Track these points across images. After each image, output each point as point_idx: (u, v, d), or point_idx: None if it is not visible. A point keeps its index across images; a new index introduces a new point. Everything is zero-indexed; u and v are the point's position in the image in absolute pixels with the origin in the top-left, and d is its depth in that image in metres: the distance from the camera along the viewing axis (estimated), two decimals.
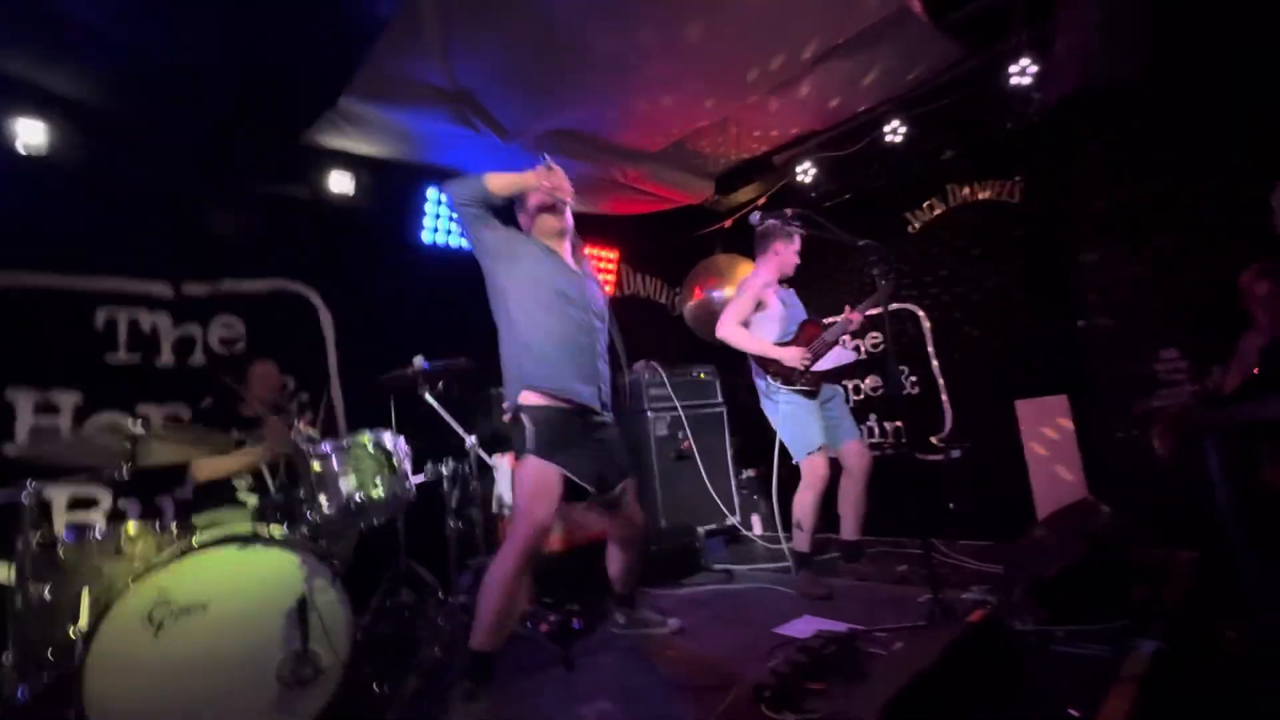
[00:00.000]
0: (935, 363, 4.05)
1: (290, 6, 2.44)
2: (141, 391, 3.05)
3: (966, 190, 3.99)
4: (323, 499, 2.23)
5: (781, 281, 3.15)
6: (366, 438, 2.33)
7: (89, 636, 1.72)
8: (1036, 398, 3.56)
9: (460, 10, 2.53)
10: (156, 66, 2.78)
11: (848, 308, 3.02)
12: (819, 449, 2.87)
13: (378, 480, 2.29)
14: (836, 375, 3.16)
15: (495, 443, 3.37)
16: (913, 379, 4.14)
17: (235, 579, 1.90)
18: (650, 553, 3.45)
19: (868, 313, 3.07)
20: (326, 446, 2.26)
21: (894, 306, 3.52)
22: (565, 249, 2.30)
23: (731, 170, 4.45)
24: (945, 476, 3.86)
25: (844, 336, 3.02)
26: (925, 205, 4.14)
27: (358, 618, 2.10)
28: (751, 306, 3.02)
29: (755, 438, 4.72)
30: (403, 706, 2.03)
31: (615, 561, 2.45)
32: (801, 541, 2.90)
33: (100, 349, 3.01)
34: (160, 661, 1.75)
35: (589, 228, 5.00)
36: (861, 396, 4.44)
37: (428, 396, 2.78)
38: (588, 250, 4.97)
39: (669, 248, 5.41)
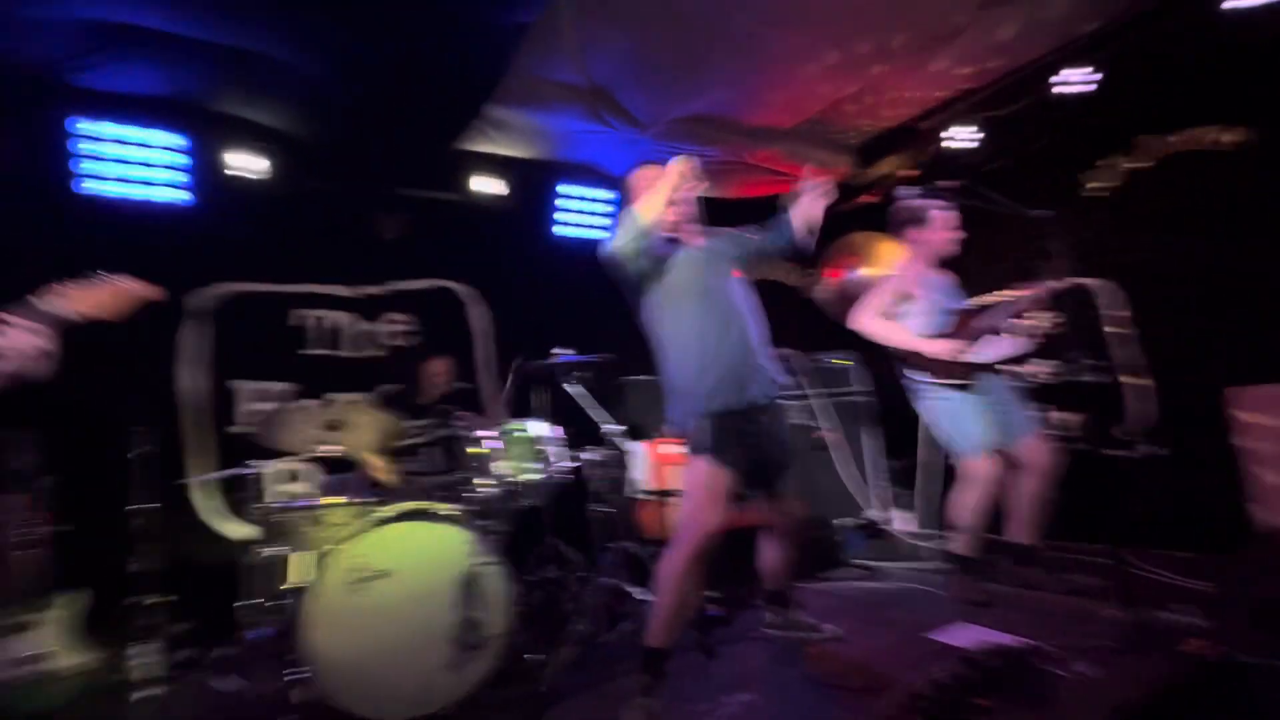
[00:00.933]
0: (1122, 346, 3.52)
1: (442, 27, 2.62)
2: (330, 381, 3.52)
3: (1164, 143, 3.39)
4: (482, 480, 2.42)
5: (934, 265, 2.87)
6: (519, 425, 2.50)
7: (303, 591, 2.02)
8: (1254, 385, 2.99)
9: (596, 6, 2.58)
10: (331, 95, 3.15)
11: (1012, 288, 2.70)
12: (984, 448, 2.61)
13: (530, 465, 2.44)
14: (1001, 364, 2.84)
15: (631, 431, 3.47)
16: (1094, 365, 3.63)
17: (414, 549, 2.13)
18: None
19: (1038, 291, 2.73)
20: (485, 433, 2.44)
21: (1071, 283, 3.10)
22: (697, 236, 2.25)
23: (872, 141, 4.15)
24: (1135, 476, 3.37)
25: (1009, 321, 2.72)
26: (1108, 164, 3.58)
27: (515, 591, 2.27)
28: (893, 296, 2.79)
29: (900, 428, 4.44)
30: (557, 674, 2.16)
31: (768, 555, 2.30)
32: (960, 544, 2.67)
33: (297, 344, 3.50)
34: (358, 617, 2.01)
35: (714, 213, 5.00)
36: (1032, 386, 3.98)
37: (568, 386, 2.91)
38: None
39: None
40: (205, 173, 3.23)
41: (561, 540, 3.06)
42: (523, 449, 2.48)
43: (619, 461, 3.08)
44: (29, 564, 2.25)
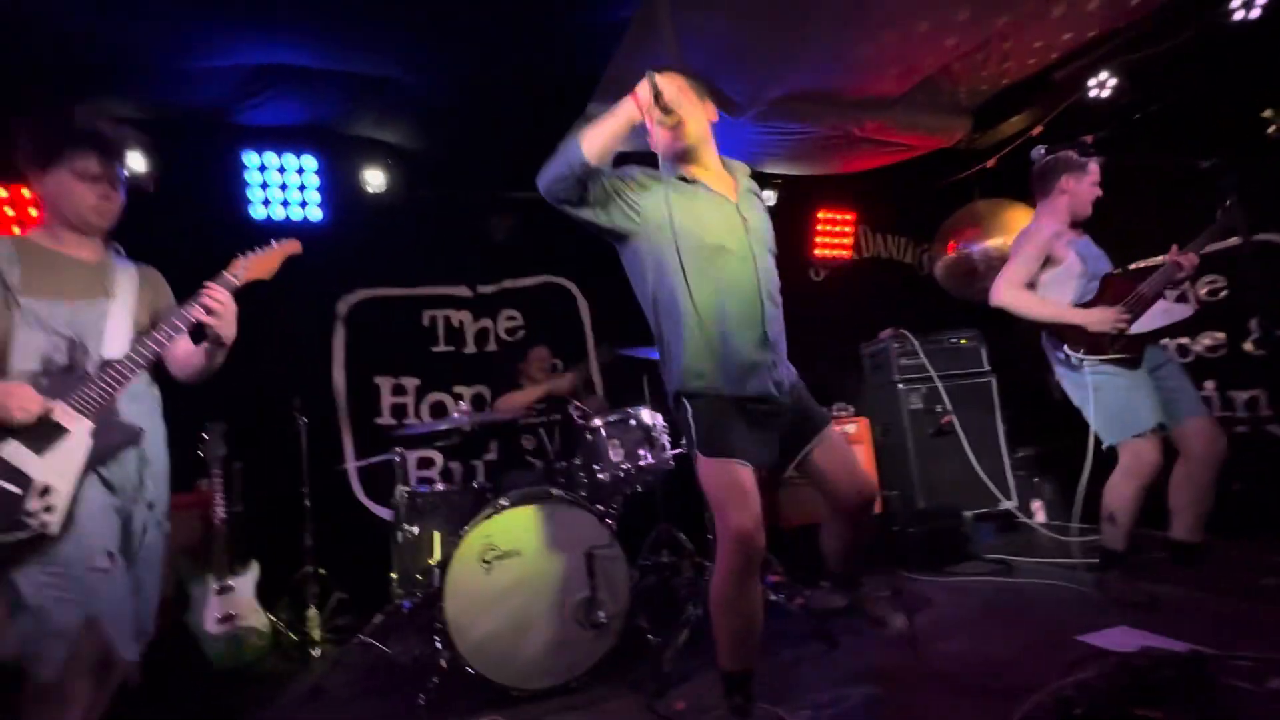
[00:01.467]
0: None
1: (545, 33, 2.73)
2: (456, 375, 3.81)
3: None
4: (596, 467, 2.52)
5: (1074, 226, 2.56)
6: (630, 412, 2.57)
7: (443, 568, 2.22)
8: None
9: None
10: (444, 108, 3.37)
11: (1175, 249, 2.38)
12: (1149, 431, 2.31)
13: (641, 451, 2.51)
14: (1163, 335, 2.51)
15: None
16: (1272, 335, 3.14)
17: (538, 531, 2.27)
18: (907, 535, 3.25)
19: (1205, 251, 2.38)
20: (598, 420, 2.54)
21: (1248, 241, 2.65)
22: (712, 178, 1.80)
23: (993, 101, 3.81)
24: None
25: (1171, 286, 2.39)
26: None
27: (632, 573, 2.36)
28: (1038, 263, 2.50)
29: (1032, 411, 4.08)
30: (675, 656, 2.22)
31: (830, 534, 1.97)
32: (1114, 538, 2.41)
33: (428, 342, 3.82)
34: (491, 593, 2.18)
35: (821, 190, 4.82)
36: (1192, 359, 3.50)
37: None
38: (822, 215, 4.79)
39: (914, 200, 4.88)
40: (334, 190, 3.58)
41: (673, 525, 3.12)
42: (634, 435, 2.55)
43: None
44: (230, 537, 2.65)
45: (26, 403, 1.41)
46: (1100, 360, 2.37)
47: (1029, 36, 3.19)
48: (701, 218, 1.71)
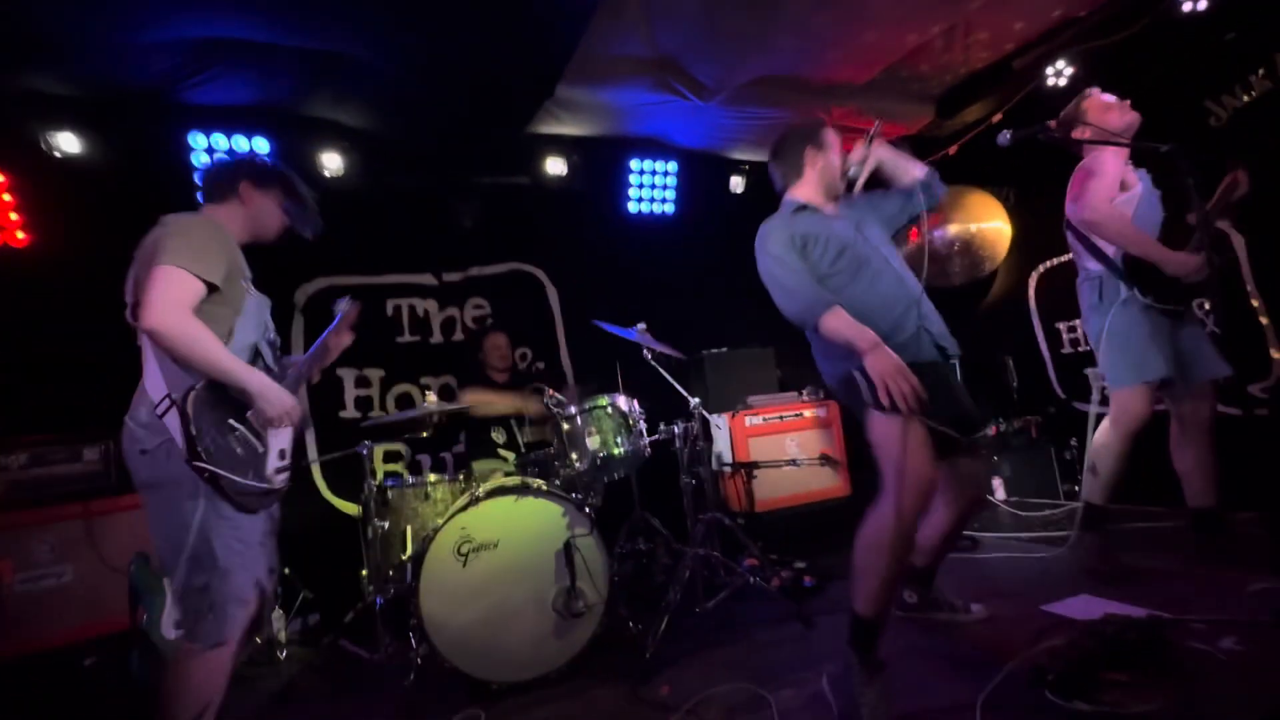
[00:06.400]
0: (1256, 295, 3.18)
1: (512, 15, 2.64)
2: (423, 365, 3.70)
3: None
4: (573, 455, 2.49)
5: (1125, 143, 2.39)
6: (604, 400, 2.54)
7: (417, 562, 2.16)
8: None
9: None
10: (406, 90, 3.24)
11: (1232, 166, 2.34)
12: (1152, 381, 2.28)
13: (618, 439, 2.49)
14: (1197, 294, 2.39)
15: (712, 403, 3.45)
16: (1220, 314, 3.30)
17: (515, 522, 2.23)
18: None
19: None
20: (573, 409, 2.50)
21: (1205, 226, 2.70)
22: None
23: (955, 89, 3.88)
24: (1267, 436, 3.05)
25: (1231, 207, 2.37)
26: (1240, 89, 3.20)
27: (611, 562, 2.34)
28: (1117, 183, 2.35)
29: (990, 391, 4.22)
30: (656, 642, 2.22)
31: (935, 525, 1.99)
32: (1095, 490, 2.39)
33: (392, 332, 3.70)
34: (468, 585, 2.13)
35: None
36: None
37: (650, 360, 2.94)
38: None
39: (875, 186, 4.95)
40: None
41: (648, 513, 3.12)
42: (609, 423, 2.52)
43: (703, 434, 3.08)
44: None
45: (295, 413, 1.66)
46: (1150, 303, 2.29)
47: (986, 28, 3.26)
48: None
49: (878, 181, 2.11)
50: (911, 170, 2.06)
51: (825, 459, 3.60)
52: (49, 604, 2.39)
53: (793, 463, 3.49)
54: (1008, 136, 2.32)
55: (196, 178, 3.19)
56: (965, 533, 3.16)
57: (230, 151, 3.24)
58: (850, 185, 2.04)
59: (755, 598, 2.63)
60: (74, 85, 2.90)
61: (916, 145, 4.46)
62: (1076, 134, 2.43)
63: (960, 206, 4.26)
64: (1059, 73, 3.49)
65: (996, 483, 3.84)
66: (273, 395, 1.59)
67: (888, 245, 2.01)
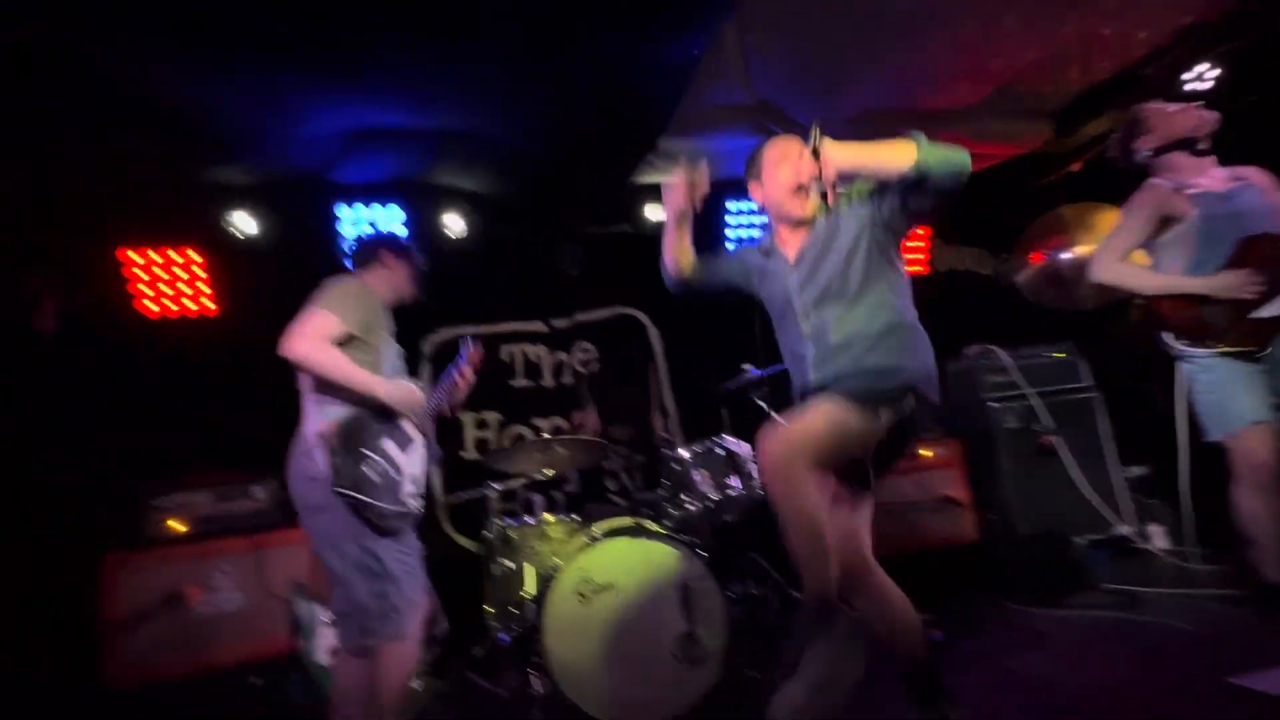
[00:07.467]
0: None
1: (619, 77, 2.81)
2: (535, 408, 3.90)
3: None
4: (684, 497, 2.51)
5: (1198, 150, 2.12)
6: (714, 442, 2.55)
7: (539, 601, 2.24)
8: None
9: (757, 23, 2.60)
10: (523, 154, 3.52)
11: None
12: (1250, 425, 1.99)
13: (730, 480, 2.48)
14: None
15: None
16: None
17: (631, 564, 2.27)
18: (1009, 563, 3.07)
19: None
20: (684, 451, 2.53)
21: None
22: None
23: (1075, 102, 3.65)
24: None
25: None
26: None
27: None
28: (1147, 227, 2.15)
29: (1141, 426, 3.79)
30: (774, 693, 2.15)
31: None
32: (1268, 564, 2.08)
33: (506, 377, 3.94)
34: (589, 626, 2.18)
35: None
36: None
37: (759, 401, 2.92)
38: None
39: (989, 209, 4.70)
40: (417, 237, 3.76)
41: (761, 556, 3.05)
42: (720, 465, 2.53)
43: None
44: None
45: (422, 399, 2.00)
46: (1204, 351, 2.02)
47: (1111, 36, 3.06)
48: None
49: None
50: (896, 159, 1.58)
51: (947, 500, 3.38)
52: (224, 626, 2.69)
53: (912, 505, 3.30)
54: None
55: (341, 244, 3.61)
56: (1118, 587, 2.84)
57: (372, 224, 3.65)
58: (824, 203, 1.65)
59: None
60: (249, 173, 3.40)
61: (1036, 163, 4.21)
62: (1138, 144, 2.26)
63: (1087, 226, 3.94)
64: (1200, 76, 3.19)
65: (1155, 529, 3.42)
66: (400, 392, 1.90)
67: (874, 264, 1.70)
